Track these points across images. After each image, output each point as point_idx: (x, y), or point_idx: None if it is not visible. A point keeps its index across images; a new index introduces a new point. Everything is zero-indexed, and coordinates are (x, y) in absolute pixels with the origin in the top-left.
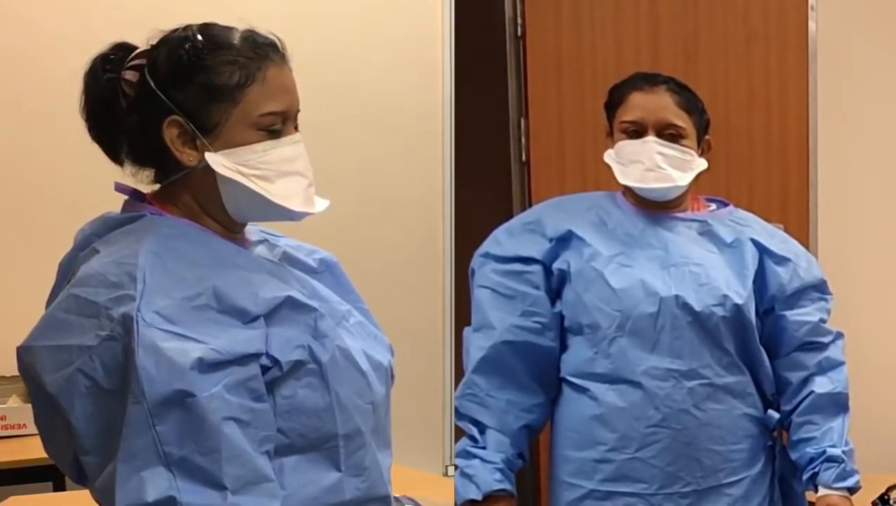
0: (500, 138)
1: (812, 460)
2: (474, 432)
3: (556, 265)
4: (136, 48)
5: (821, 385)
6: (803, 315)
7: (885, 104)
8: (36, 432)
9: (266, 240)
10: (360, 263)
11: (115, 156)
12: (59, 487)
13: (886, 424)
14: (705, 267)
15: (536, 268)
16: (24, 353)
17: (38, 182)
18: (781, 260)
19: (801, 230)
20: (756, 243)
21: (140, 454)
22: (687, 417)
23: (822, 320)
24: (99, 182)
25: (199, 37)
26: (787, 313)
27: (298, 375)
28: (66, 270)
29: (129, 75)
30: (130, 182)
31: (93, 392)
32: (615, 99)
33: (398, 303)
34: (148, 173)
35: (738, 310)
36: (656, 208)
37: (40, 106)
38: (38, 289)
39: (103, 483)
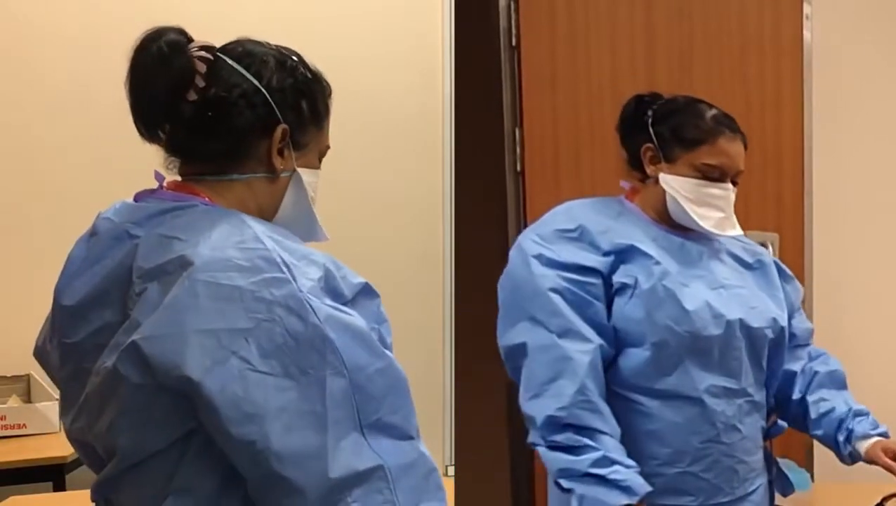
0: (496, 148)
1: (841, 421)
2: (583, 440)
3: (616, 278)
4: (190, 37)
5: (820, 365)
6: (803, 322)
7: (880, 113)
8: (36, 432)
9: None
10: (360, 263)
11: (153, 133)
12: (59, 487)
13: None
14: (748, 289)
15: (597, 279)
16: (146, 344)
17: (38, 183)
18: (789, 278)
19: (797, 239)
20: (776, 265)
21: (343, 424)
22: (734, 432)
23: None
24: (99, 183)
25: (308, 68)
26: (793, 323)
27: None
28: (92, 260)
29: (197, 64)
30: (126, 179)
31: (247, 375)
32: (694, 135)
33: (398, 303)
34: (174, 162)
35: (782, 332)
36: (679, 228)
37: (40, 106)
38: (38, 291)
39: (289, 453)
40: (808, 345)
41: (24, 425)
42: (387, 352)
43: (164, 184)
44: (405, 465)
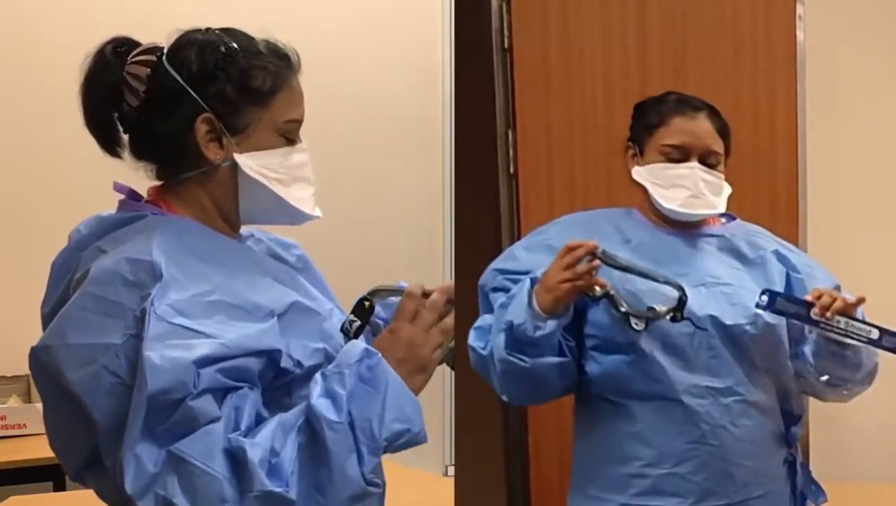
0: (489, 150)
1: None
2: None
3: None
4: (138, 43)
5: None
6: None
7: (874, 113)
8: (36, 432)
9: (252, 235)
10: (361, 263)
11: (109, 146)
12: (59, 487)
13: (881, 431)
14: (734, 286)
15: None
16: (41, 352)
17: (38, 183)
18: (805, 273)
19: (791, 240)
20: (780, 257)
21: (132, 436)
22: (724, 432)
23: None
24: (99, 183)
25: (234, 43)
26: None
27: (314, 376)
28: (64, 270)
29: (136, 70)
30: (125, 177)
31: (117, 389)
32: (653, 120)
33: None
34: (149, 168)
35: (769, 329)
36: (679, 226)
37: (40, 106)
38: (38, 290)
39: (111, 465)
40: None
41: (24, 425)
42: (209, 386)
43: (147, 191)
44: (194, 436)
